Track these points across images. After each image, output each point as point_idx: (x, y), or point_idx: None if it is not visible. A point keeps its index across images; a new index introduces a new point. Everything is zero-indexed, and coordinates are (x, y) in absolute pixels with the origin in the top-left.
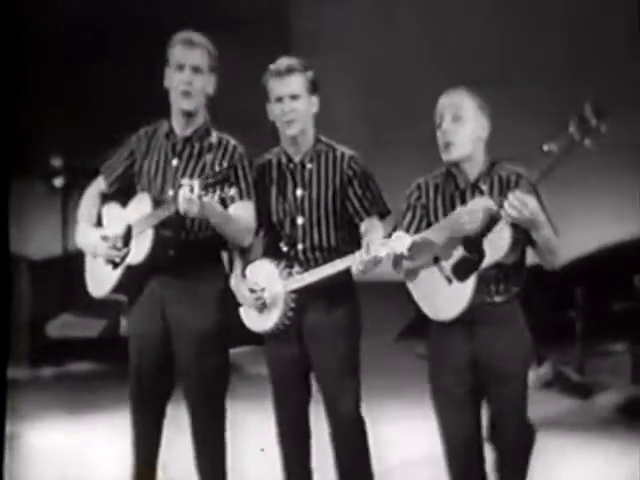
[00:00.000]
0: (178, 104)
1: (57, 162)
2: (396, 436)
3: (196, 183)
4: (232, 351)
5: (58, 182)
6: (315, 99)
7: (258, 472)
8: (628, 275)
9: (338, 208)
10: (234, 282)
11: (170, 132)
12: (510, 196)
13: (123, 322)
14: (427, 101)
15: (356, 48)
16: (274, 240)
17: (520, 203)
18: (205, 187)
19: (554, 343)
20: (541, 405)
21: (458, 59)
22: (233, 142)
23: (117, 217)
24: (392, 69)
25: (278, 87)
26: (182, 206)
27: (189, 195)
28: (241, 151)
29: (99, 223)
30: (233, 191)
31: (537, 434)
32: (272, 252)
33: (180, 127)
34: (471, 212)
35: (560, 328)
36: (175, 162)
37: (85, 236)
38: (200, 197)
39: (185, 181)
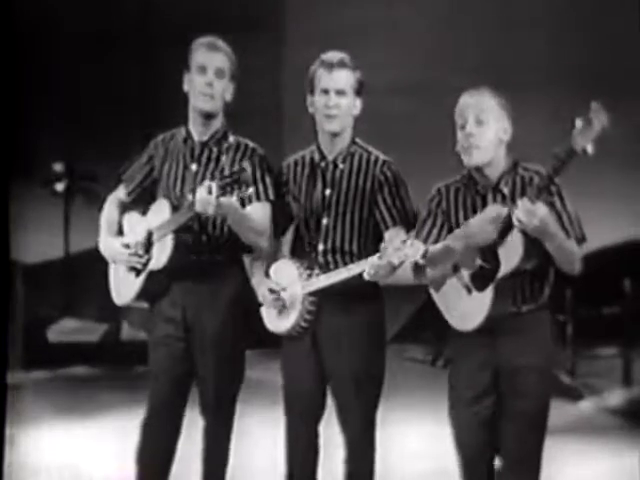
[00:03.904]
0: (199, 105)
1: (58, 167)
2: (391, 438)
3: (214, 184)
4: None
5: (59, 187)
6: (359, 102)
7: (259, 475)
8: (618, 279)
9: (365, 213)
10: (255, 281)
11: (188, 137)
12: (519, 203)
13: (124, 326)
14: (426, 101)
15: (354, 48)
16: (299, 239)
17: (528, 212)
18: (222, 188)
19: None
20: None
21: (457, 59)
22: (252, 145)
23: (137, 225)
24: (392, 69)
25: (326, 79)
26: (198, 207)
27: (206, 196)
28: (260, 153)
29: (120, 232)
30: (251, 190)
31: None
32: (296, 252)
33: (198, 131)
34: (481, 223)
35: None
36: (194, 167)
37: (107, 245)
38: (217, 198)
39: (205, 182)
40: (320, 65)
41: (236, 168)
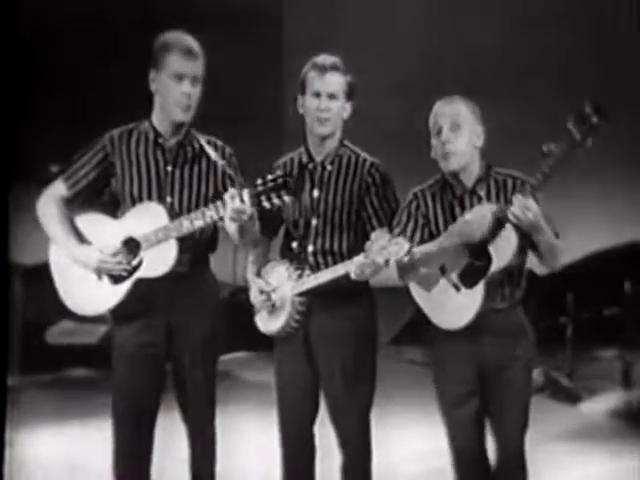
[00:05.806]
0: (175, 117)
1: (57, 170)
2: (389, 440)
3: (246, 193)
4: (224, 357)
5: None
6: (349, 105)
7: (255, 477)
8: (619, 281)
9: (353, 214)
10: (248, 282)
11: (157, 136)
12: (514, 200)
13: None
14: (424, 103)
15: (352, 48)
16: (289, 241)
17: (524, 207)
18: (257, 196)
19: (545, 348)
20: (531, 410)
21: (458, 59)
22: (220, 143)
23: (107, 229)
24: (387, 72)
25: (318, 82)
26: (230, 216)
27: (240, 206)
28: (229, 151)
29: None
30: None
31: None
32: (286, 253)
33: (169, 132)
34: (479, 217)
35: (551, 333)
36: (170, 168)
37: (80, 252)
38: (252, 206)
39: (233, 190)
40: (312, 68)
41: (277, 174)
